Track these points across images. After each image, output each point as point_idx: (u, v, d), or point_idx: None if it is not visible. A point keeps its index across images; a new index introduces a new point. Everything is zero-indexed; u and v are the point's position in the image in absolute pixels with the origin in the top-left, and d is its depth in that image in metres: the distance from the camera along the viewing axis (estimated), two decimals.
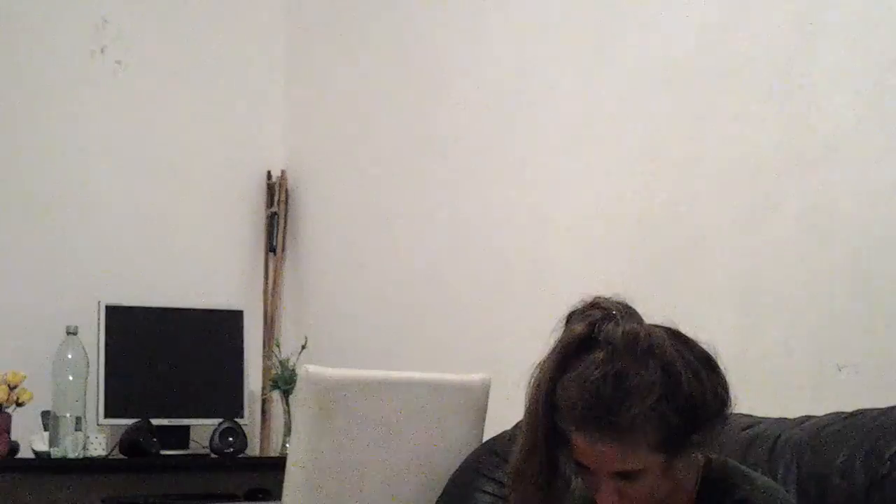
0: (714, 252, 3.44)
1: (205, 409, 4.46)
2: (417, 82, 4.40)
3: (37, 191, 4.45)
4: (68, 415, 4.10)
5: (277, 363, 4.51)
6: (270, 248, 4.80)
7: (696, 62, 3.52)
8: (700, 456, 2.10)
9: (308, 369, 3.13)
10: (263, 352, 4.69)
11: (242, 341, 4.56)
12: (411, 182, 4.39)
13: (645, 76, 3.66)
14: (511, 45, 4.07)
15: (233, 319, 4.57)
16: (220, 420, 4.36)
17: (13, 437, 4.08)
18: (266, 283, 4.79)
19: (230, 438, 4.32)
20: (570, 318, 2.12)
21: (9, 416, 4.07)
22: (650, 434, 1.95)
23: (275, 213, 4.79)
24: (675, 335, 2.05)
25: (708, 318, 3.27)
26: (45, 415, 4.14)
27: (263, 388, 4.65)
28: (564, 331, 2.10)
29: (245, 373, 4.55)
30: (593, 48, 3.81)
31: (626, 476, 2.00)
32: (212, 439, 4.32)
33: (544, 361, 2.09)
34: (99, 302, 4.35)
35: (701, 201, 3.48)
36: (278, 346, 4.59)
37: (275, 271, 4.79)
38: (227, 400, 4.50)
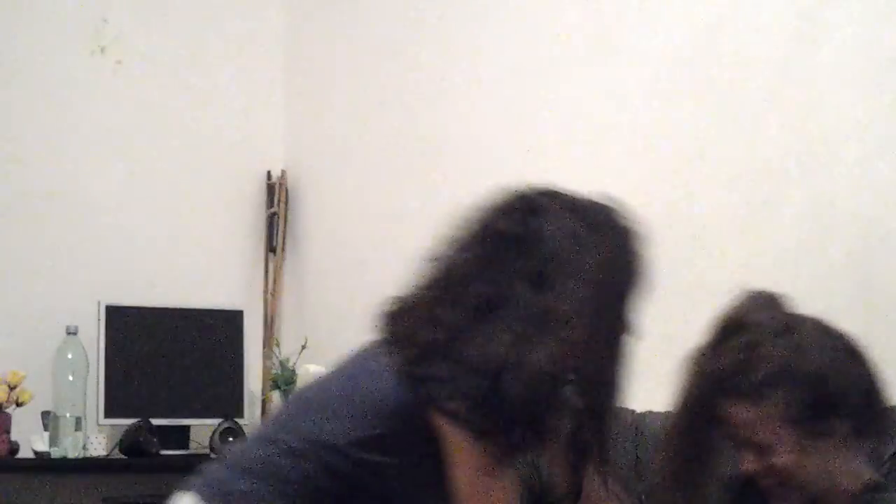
0: (714, 252, 3.44)
1: (205, 409, 4.46)
2: (417, 82, 4.40)
3: (36, 191, 4.45)
4: (68, 415, 4.10)
5: (277, 363, 4.51)
6: (270, 248, 4.80)
7: (697, 62, 3.52)
8: (864, 468, 2.14)
9: (308, 369, 3.13)
10: (263, 352, 4.69)
11: (242, 341, 4.56)
12: (411, 182, 4.39)
13: (644, 76, 3.66)
14: (511, 46, 4.07)
15: (233, 319, 4.57)
16: (220, 420, 4.36)
17: (13, 437, 4.08)
18: (266, 283, 4.79)
19: (230, 438, 4.32)
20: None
21: (9, 416, 4.07)
22: (780, 406, 2.03)
23: (275, 213, 4.79)
24: (821, 324, 2.17)
25: (708, 318, 3.26)
26: (45, 415, 4.14)
27: (263, 388, 4.65)
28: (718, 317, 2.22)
29: (245, 373, 4.54)
30: (593, 48, 3.81)
31: (764, 449, 2.06)
32: (212, 439, 4.32)
33: (700, 346, 2.20)
34: (99, 302, 4.35)
35: (701, 201, 3.48)
36: (278, 346, 4.59)
37: (275, 271, 4.78)
38: (227, 400, 4.50)
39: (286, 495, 1.96)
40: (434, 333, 2.01)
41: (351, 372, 2.12)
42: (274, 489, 1.96)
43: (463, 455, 1.94)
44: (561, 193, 2.18)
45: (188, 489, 2.04)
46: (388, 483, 1.97)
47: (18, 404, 4.09)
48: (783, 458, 2.06)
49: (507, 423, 1.90)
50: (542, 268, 1.98)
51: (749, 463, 2.10)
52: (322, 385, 2.13)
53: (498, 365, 1.90)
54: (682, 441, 2.17)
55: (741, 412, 2.07)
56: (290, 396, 2.17)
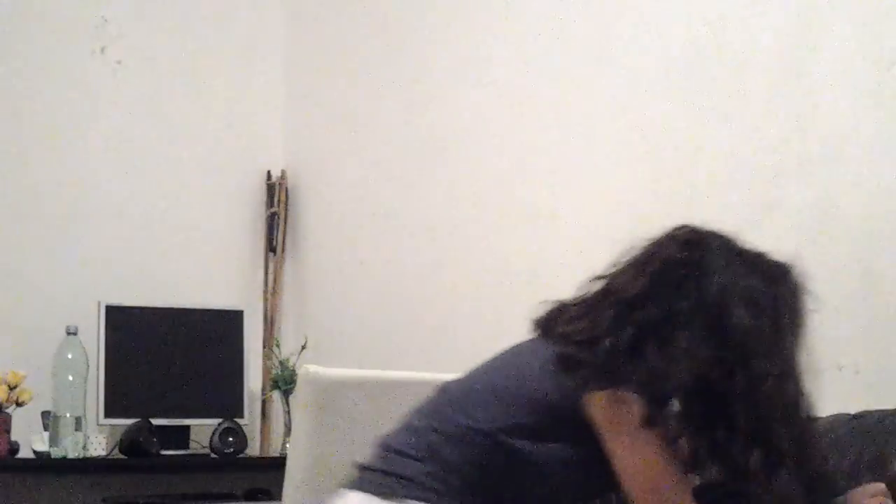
0: None
1: (205, 409, 4.46)
2: (417, 83, 4.40)
3: (36, 191, 4.45)
4: (68, 415, 4.10)
5: (277, 363, 4.51)
6: (270, 248, 4.80)
7: (697, 61, 3.52)
8: None
9: (308, 369, 3.12)
10: (263, 352, 4.69)
11: (242, 341, 4.56)
12: (411, 182, 4.39)
13: (644, 76, 3.66)
14: (511, 46, 4.07)
15: (233, 319, 4.57)
16: (220, 420, 4.36)
17: (13, 437, 4.08)
18: (266, 283, 4.79)
19: (230, 438, 4.32)
20: None
21: (9, 416, 4.07)
22: None
23: (275, 213, 4.79)
24: None
25: None
26: (45, 415, 4.14)
27: (263, 388, 4.65)
28: None
29: (245, 373, 4.55)
30: (593, 48, 3.82)
31: None
32: (212, 439, 4.32)
33: None
34: (99, 302, 4.35)
35: (701, 201, 3.48)
36: (278, 346, 4.59)
37: (275, 271, 4.78)
38: (227, 400, 4.50)
39: (447, 481, 2.09)
40: (595, 332, 2.14)
41: (511, 363, 2.24)
42: (437, 475, 2.10)
43: (632, 435, 2.05)
44: (726, 236, 2.29)
45: (351, 487, 2.18)
46: (539, 470, 2.10)
47: (18, 404, 4.09)
48: None
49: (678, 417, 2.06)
50: (705, 294, 2.14)
51: None
52: (476, 377, 2.26)
53: (673, 362, 2.06)
54: None
55: None
56: (436, 389, 2.26)
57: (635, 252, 2.27)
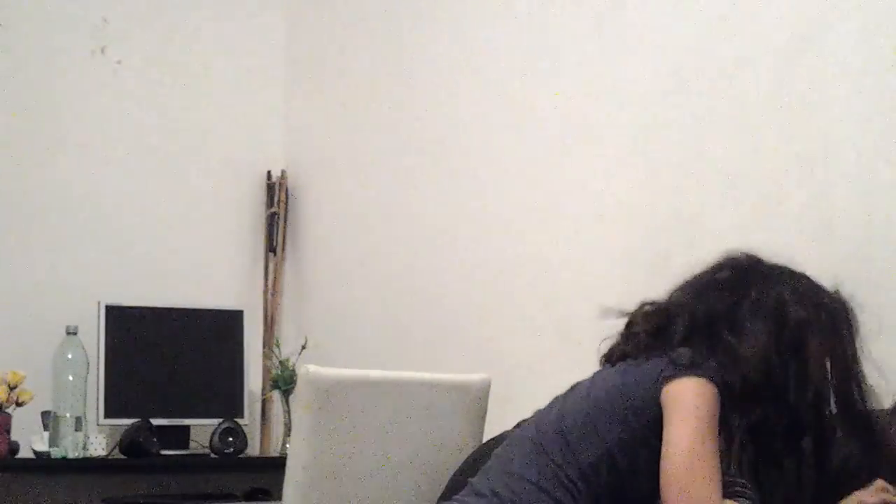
0: (714, 252, 3.43)
1: (205, 409, 4.46)
2: (417, 83, 4.40)
3: (37, 190, 4.45)
4: (68, 415, 4.10)
5: (277, 363, 4.51)
6: (270, 248, 4.80)
7: (697, 61, 3.52)
8: None
9: (308, 369, 3.13)
10: (263, 352, 4.69)
11: (242, 341, 4.56)
12: (411, 182, 4.39)
13: (644, 76, 3.66)
14: (511, 46, 4.07)
15: (233, 319, 4.57)
16: (220, 420, 4.36)
17: (13, 437, 4.08)
18: (266, 283, 4.79)
19: (230, 438, 4.32)
20: None
21: (9, 416, 4.07)
22: None
23: (275, 213, 4.79)
24: None
25: None
26: (45, 415, 4.14)
27: (263, 388, 4.65)
28: None
29: (245, 373, 4.55)
30: (593, 49, 3.81)
31: None
32: (212, 439, 4.32)
33: None
34: (99, 302, 4.35)
35: (701, 201, 3.48)
36: (278, 346, 4.59)
37: (275, 271, 4.79)
38: (227, 400, 4.50)
39: (568, 490, 2.30)
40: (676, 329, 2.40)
41: (586, 396, 2.42)
42: (556, 484, 2.31)
43: (696, 419, 2.24)
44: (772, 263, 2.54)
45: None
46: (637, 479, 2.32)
47: (18, 404, 4.09)
48: None
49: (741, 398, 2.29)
50: (764, 295, 2.42)
51: None
52: (560, 418, 2.41)
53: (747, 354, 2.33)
54: None
55: None
56: (510, 444, 2.50)
57: (691, 276, 2.51)
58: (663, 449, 2.26)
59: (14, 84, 4.45)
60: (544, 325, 3.85)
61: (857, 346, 2.45)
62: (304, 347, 4.47)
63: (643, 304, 2.47)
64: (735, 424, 2.32)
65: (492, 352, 3.95)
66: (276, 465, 3.45)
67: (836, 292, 2.50)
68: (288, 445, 4.00)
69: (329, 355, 4.36)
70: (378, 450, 3.16)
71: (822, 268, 3.17)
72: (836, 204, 3.16)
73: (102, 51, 4.58)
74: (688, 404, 2.26)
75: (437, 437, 3.24)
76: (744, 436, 2.33)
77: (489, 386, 3.29)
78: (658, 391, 2.29)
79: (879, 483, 2.40)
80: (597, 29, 3.80)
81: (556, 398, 2.48)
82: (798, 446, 2.37)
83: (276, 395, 4.53)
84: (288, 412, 4.38)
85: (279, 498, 3.17)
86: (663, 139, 3.59)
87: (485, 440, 3.29)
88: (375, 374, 3.24)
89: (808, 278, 2.51)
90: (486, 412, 3.31)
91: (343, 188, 4.66)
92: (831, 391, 2.37)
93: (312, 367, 3.13)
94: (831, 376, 2.38)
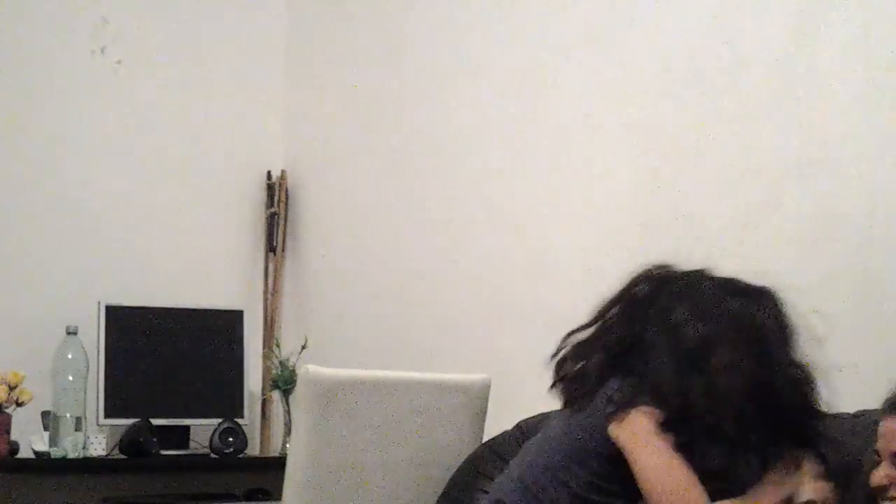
0: (714, 252, 3.43)
1: (205, 409, 4.46)
2: (417, 82, 4.40)
3: (36, 191, 4.44)
4: (68, 415, 4.10)
5: (277, 363, 4.50)
6: (270, 248, 4.80)
7: (697, 62, 3.52)
8: None
9: (308, 369, 3.13)
10: (263, 352, 4.69)
11: (242, 341, 4.56)
12: (411, 182, 4.39)
13: (644, 76, 3.66)
14: (511, 47, 4.07)
15: (233, 319, 4.57)
16: (220, 420, 4.36)
17: (13, 437, 4.08)
18: (266, 283, 4.79)
19: (230, 438, 4.32)
20: None
21: (9, 416, 4.07)
22: None
23: (275, 213, 4.79)
24: None
25: None
26: (45, 415, 4.14)
27: (263, 388, 4.65)
28: None
29: (245, 373, 4.55)
30: (593, 50, 3.82)
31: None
32: (212, 439, 4.32)
33: None
34: (99, 302, 4.35)
35: (701, 201, 3.48)
36: (278, 346, 4.59)
37: (275, 271, 4.79)
38: (227, 400, 4.50)
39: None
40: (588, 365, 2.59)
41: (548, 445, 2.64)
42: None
43: (656, 446, 2.42)
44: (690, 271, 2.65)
45: None
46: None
47: (18, 404, 4.09)
48: None
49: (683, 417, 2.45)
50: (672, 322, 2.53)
51: (879, 477, 2.24)
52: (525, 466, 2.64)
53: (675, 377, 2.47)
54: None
55: (893, 423, 2.23)
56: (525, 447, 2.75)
57: (607, 299, 2.63)
58: (638, 477, 2.43)
59: (14, 84, 4.45)
60: (544, 325, 3.85)
61: (782, 343, 2.51)
62: (304, 347, 4.46)
63: (563, 344, 2.64)
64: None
65: (492, 352, 3.95)
66: (276, 465, 3.45)
67: (760, 292, 2.57)
68: (288, 445, 4.00)
69: (329, 355, 4.36)
70: (378, 450, 3.16)
71: (821, 268, 3.18)
72: (836, 204, 3.17)
73: (102, 51, 4.58)
74: (641, 434, 2.43)
75: (437, 437, 3.24)
76: (681, 453, 2.45)
77: (489, 386, 3.29)
78: (607, 429, 2.47)
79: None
80: (597, 29, 3.80)
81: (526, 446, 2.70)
82: (734, 459, 2.45)
83: (276, 395, 4.53)
84: (288, 412, 4.38)
85: (279, 498, 3.18)
86: (663, 139, 3.59)
87: (485, 440, 3.29)
88: (375, 374, 3.24)
89: (713, 289, 2.57)
90: (486, 412, 3.31)
91: (343, 188, 4.66)
92: (753, 398, 2.45)
93: (312, 367, 3.13)
94: (753, 383, 2.45)
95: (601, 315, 2.61)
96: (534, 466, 2.59)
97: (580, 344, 2.62)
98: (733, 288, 2.58)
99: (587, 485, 2.50)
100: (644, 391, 2.46)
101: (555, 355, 2.64)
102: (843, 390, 3.01)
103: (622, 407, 2.46)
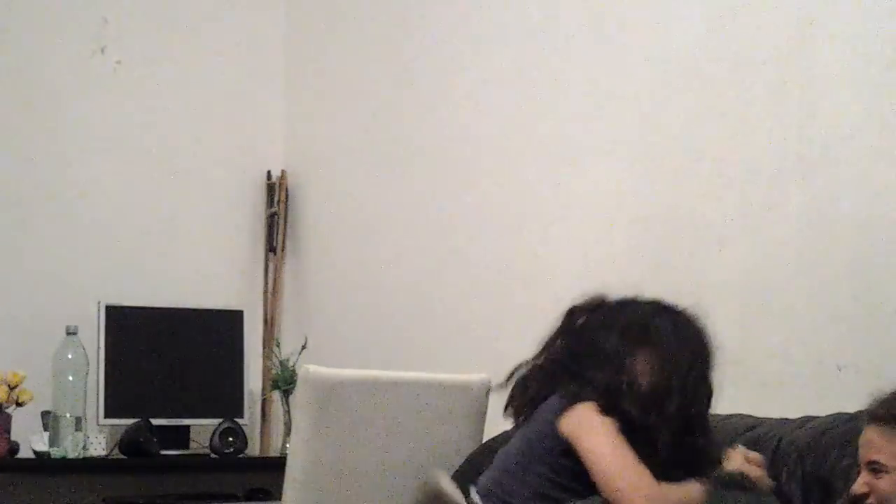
0: (714, 252, 3.44)
1: (205, 409, 4.46)
2: (418, 82, 4.40)
3: (37, 190, 4.45)
4: (68, 415, 4.10)
5: (277, 363, 4.51)
6: (270, 248, 4.80)
7: (696, 62, 3.52)
8: None
9: (308, 369, 3.13)
10: (263, 352, 4.69)
11: (242, 341, 4.56)
12: (411, 182, 4.39)
13: (644, 76, 3.66)
14: (511, 47, 4.07)
15: (233, 319, 4.57)
16: (220, 420, 4.36)
17: (13, 437, 4.08)
18: (266, 283, 4.79)
19: (230, 438, 4.32)
20: None
21: (9, 416, 4.07)
22: None
23: (275, 213, 4.79)
24: None
25: (708, 319, 3.26)
26: (45, 415, 4.14)
27: (263, 388, 4.65)
28: None
29: (245, 373, 4.55)
30: (594, 50, 3.82)
31: (877, 470, 2.28)
32: (212, 439, 4.32)
33: None
34: (99, 302, 4.35)
35: (701, 201, 3.48)
36: (278, 346, 4.59)
37: (275, 271, 4.79)
38: (227, 400, 4.50)
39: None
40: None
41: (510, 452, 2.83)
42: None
43: (601, 430, 2.63)
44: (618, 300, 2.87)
45: None
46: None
47: (18, 404, 4.09)
48: (887, 481, 2.22)
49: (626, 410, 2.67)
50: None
51: (860, 485, 2.27)
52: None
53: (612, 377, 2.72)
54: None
55: (871, 433, 2.27)
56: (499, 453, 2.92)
57: (551, 331, 2.88)
58: (586, 459, 2.62)
59: (14, 84, 4.45)
60: (544, 325, 3.84)
61: (699, 358, 2.73)
62: (304, 347, 4.47)
63: (513, 372, 2.86)
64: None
65: (492, 352, 3.94)
66: (276, 465, 3.45)
67: (684, 311, 2.80)
68: (288, 445, 4.00)
69: (329, 355, 4.35)
70: (378, 450, 3.16)
71: (821, 268, 3.18)
72: (836, 204, 3.17)
73: (102, 51, 4.58)
74: (586, 421, 2.65)
75: (437, 437, 3.24)
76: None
77: (489, 386, 3.29)
78: (556, 427, 2.67)
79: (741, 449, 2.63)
80: (597, 28, 3.80)
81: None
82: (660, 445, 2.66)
83: (276, 395, 4.53)
84: (288, 412, 4.38)
85: (279, 498, 3.18)
86: (663, 139, 3.59)
87: (485, 440, 3.29)
88: (375, 374, 3.24)
89: (642, 307, 2.80)
90: (486, 412, 3.31)
91: (343, 188, 4.66)
92: (670, 398, 2.66)
93: (312, 367, 3.13)
94: (668, 385, 2.68)
95: (546, 348, 2.84)
96: (500, 474, 2.77)
97: (528, 372, 2.84)
98: (660, 307, 2.79)
99: (549, 482, 2.67)
100: (586, 391, 2.68)
101: (507, 380, 2.85)
102: (844, 390, 3.02)
103: (568, 403, 2.68)
